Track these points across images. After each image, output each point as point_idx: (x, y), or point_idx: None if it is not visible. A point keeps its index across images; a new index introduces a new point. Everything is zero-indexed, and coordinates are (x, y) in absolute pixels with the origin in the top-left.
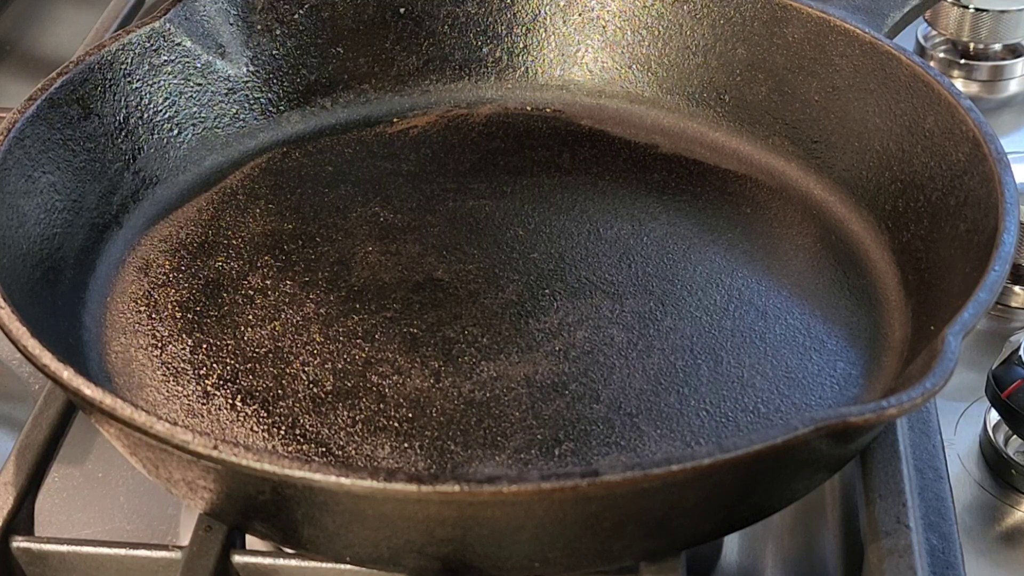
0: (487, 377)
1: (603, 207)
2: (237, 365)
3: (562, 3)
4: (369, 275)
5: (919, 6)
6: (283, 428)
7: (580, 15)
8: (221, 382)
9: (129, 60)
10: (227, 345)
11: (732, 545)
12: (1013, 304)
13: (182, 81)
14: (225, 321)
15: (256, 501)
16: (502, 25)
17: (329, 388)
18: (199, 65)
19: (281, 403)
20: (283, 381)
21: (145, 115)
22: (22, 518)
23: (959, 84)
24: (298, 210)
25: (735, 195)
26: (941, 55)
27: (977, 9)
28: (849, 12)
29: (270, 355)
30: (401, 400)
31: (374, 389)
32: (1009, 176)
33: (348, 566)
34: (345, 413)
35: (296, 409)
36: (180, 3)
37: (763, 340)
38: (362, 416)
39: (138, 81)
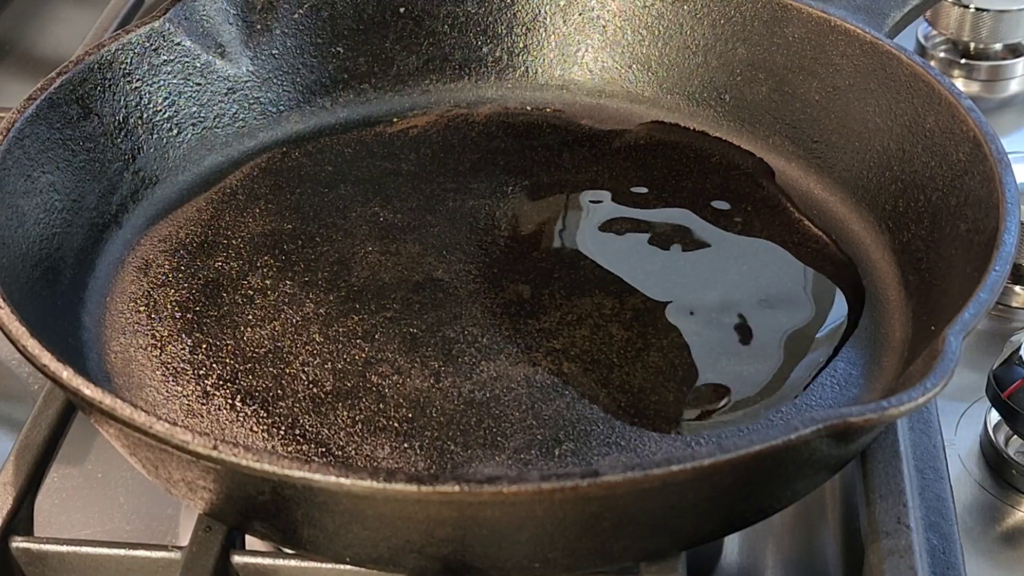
0: (487, 377)
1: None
2: (237, 365)
3: (562, 3)
4: (369, 275)
5: (920, 6)
6: (283, 428)
7: (580, 15)
8: (221, 382)
9: (129, 60)
10: (227, 345)
11: (732, 545)
12: (1014, 304)
13: (182, 81)
14: (225, 321)
15: (256, 501)
16: (502, 25)
17: (329, 388)
18: (199, 65)
19: (281, 403)
20: (283, 381)
21: (145, 115)
22: (21, 518)
23: (959, 84)
24: (298, 210)
25: (735, 195)
26: (941, 55)
27: (977, 9)
28: (849, 12)
29: (270, 355)
30: (401, 400)
31: (374, 389)
32: (1010, 176)
33: (348, 566)
34: (345, 413)
35: (296, 409)
36: (180, 3)
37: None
38: (362, 416)
39: (138, 81)
